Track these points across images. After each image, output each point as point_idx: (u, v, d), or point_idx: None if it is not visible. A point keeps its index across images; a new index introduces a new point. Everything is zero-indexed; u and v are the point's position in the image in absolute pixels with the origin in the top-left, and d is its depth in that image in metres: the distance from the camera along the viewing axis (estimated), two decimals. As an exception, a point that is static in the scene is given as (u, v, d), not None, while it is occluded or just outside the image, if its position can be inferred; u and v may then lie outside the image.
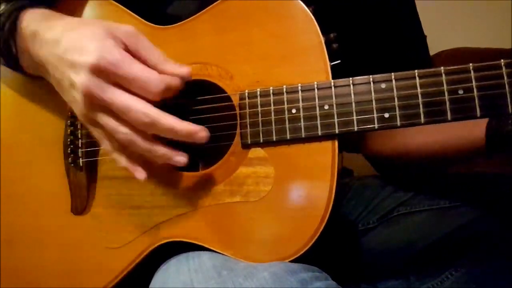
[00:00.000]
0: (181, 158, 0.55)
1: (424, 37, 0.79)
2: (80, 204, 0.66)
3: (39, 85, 0.66)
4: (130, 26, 0.55)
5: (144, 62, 0.54)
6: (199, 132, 0.54)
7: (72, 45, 0.54)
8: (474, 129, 0.62)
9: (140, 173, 0.56)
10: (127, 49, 0.54)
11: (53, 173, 0.68)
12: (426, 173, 0.80)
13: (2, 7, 0.60)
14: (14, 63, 0.63)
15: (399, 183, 0.80)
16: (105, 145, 0.57)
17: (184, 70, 0.56)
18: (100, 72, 0.51)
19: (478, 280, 0.65)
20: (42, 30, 0.58)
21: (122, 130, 0.54)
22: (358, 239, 0.78)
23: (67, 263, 0.66)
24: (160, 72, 0.54)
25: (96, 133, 0.57)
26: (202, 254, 0.58)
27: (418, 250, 0.72)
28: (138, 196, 0.63)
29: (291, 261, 0.55)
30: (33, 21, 0.59)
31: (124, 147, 0.56)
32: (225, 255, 0.58)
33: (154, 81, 0.52)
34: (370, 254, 0.77)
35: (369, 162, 0.84)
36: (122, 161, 0.57)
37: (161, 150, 0.54)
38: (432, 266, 0.70)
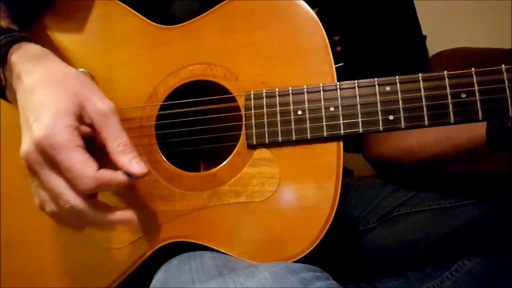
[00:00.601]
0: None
1: (423, 38, 0.79)
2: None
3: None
4: (107, 104, 0.54)
5: (105, 144, 0.54)
6: (128, 221, 0.54)
7: (35, 104, 0.53)
8: (475, 127, 0.62)
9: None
10: (92, 126, 0.54)
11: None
12: (426, 173, 0.80)
13: None
14: (1, 92, 0.63)
15: (399, 183, 0.80)
16: (35, 198, 0.56)
17: (136, 168, 0.53)
18: (41, 150, 0.51)
19: (479, 280, 0.66)
20: (23, 72, 0.56)
21: (51, 207, 0.54)
22: (358, 239, 0.78)
23: (68, 264, 0.65)
24: (113, 161, 0.53)
25: (32, 182, 0.55)
26: (204, 254, 0.58)
27: (418, 250, 0.72)
28: (140, 196, 0.62)
29: (296, 261, 0.55)
30: (20, 59, 0.58)
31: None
32: (227, 255, 0.58)
33: (85, 179, 0.50)
34: (370, 254, 0.77)
35: (370, 165, 0.84)
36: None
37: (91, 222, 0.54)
38: (432, 266, 0.70)
